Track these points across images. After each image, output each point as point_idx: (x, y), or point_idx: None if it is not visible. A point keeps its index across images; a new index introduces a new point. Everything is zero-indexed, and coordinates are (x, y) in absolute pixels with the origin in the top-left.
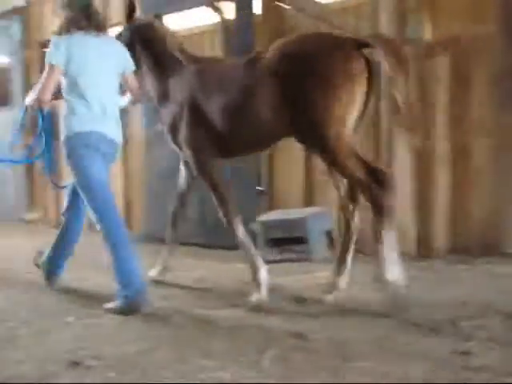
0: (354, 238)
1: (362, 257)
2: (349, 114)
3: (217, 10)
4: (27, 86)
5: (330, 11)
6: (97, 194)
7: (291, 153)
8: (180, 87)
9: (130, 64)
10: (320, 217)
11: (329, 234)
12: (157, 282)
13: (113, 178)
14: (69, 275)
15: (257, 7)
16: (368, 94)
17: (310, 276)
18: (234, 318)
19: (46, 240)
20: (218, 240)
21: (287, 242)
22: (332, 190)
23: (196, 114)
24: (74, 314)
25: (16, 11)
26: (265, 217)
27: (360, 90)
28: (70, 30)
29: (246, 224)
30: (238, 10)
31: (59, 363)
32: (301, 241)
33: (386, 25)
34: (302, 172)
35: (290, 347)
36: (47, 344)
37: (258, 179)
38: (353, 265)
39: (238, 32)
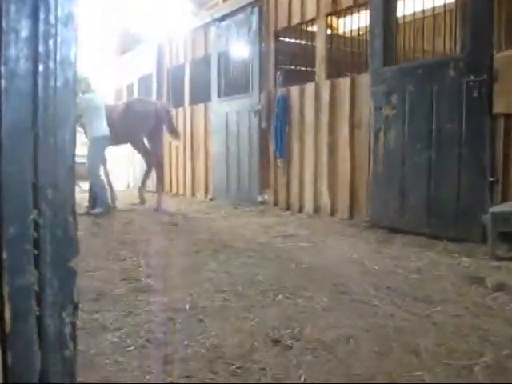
0: None
1: None
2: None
3: None
4: (263, 75)
5: None
6: None
7: None
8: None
9: None
10: None
11: None
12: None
13: (341, 162)
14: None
15: None
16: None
17: None
18: (448, 315)
19: (271, 220)
20: (446, 231)
21: None
22: None
23: None
24: (285, 291)
25: (253, 3)
26: (497, 208)
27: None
28: None
29: (475, 216)
30: None
31: (260, 339)
32: None
33: None
34: None
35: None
36: (253, 319)
37: (491, 168)
38: None
39: (475, 9)
